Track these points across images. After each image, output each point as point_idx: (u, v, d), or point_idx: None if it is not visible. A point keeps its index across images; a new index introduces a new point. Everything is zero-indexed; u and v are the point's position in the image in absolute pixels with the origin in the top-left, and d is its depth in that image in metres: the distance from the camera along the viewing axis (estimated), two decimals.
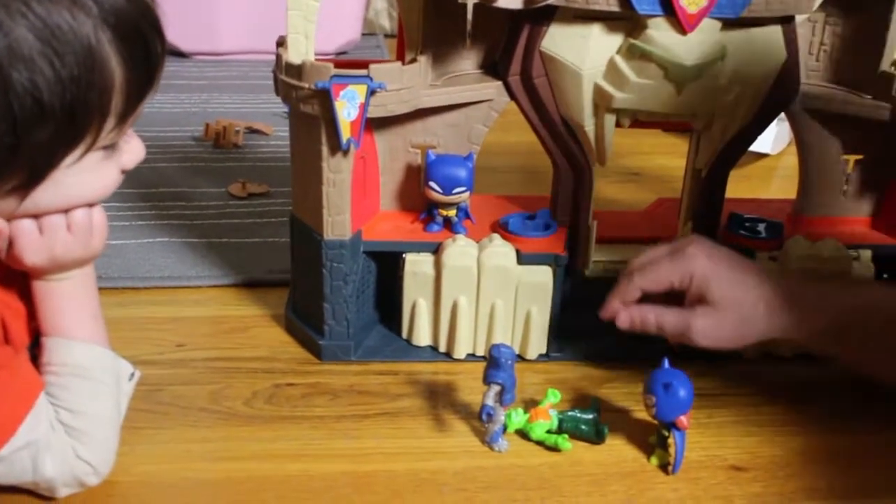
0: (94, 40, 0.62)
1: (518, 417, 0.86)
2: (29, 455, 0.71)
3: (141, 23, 0.65)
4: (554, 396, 0.89)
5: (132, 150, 0.72)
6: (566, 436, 0.86)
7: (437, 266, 0.96)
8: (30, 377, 0.73)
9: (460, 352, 0.99)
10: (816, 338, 0.87)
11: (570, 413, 0.87)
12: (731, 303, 0.86)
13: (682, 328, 0.87)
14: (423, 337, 1.00)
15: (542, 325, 0.98)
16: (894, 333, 0.84)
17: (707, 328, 0.86)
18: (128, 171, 0.73)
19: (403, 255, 0.97)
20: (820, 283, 0.92)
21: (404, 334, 1.01)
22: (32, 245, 0.70)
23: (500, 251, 0.95)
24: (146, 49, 0.66)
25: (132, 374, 0.80)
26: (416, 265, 0.97)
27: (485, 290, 0.96)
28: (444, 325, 0.98)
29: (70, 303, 0.75)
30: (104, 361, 0.77)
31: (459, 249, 0.95)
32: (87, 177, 0.68)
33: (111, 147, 0.69)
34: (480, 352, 0.99)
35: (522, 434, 0.87)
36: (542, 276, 0.96)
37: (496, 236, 0.96)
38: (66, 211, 0.70)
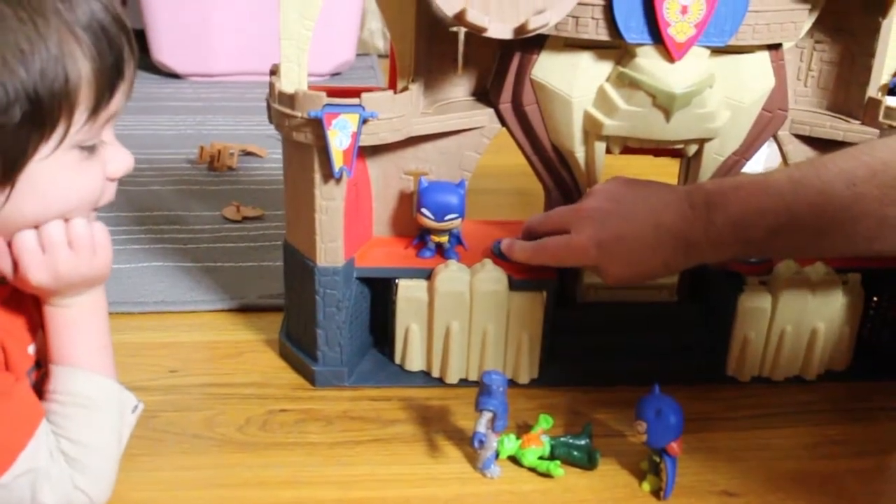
0: (56, 33, 0.63)
1: (510, 444, 0.87)
2: (28, 482, 0.71)
3: (103, 16, 0.66)
4: (546, 422, 0.89)
5: (117, 159, 0.72)
6: (559, 462, 0.86)
7: (430, 291, 0.96)
8: (31, 404, 0.73)
9: (453, 377, 0.99)
10: (722, 253, 0.87)
11: (562, 439, 0.88)
12: (620, 241, 0.88)
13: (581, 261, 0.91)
14: (415, 362, 1.00)
15: (533, 350, 0.98)
16: (797, 231, 0.83)
17: (604, 269, 0.90)
18: (115, 179, 0.73)
19: (396, 281, 0.97)
20: (707, 202, 0.86)
21: (397, 359, 1.01)
22: (35, 263, 0.70)
23: (492, 276, 0.95)
24: (110, 40, 0.67)
25: (135, 407, 0.80)
26: (409, 290, 0.97)
27: (477, 316, 0.96)
28: (437, 350, 0.98)
29: (78, 331, 0.75)
30: (109, 393, 0.77)
31: (451, 275, 0.95)
32: (66, 177, 0.68)
33: (90, 149, 0.69)
34: (473, 376, 0.99)
35: (514, 460, 0.87)
36: (534, 302, 0.96)
37: (488, 262, 0.96)
38: (62, 221, 0.70)
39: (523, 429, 0.90)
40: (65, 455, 0.73)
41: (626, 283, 0.91)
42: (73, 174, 0.69)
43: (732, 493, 0.85)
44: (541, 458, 0.86)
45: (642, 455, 0.87)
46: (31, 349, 0.77)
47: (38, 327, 0.77)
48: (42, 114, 0.64)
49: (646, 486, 0.85)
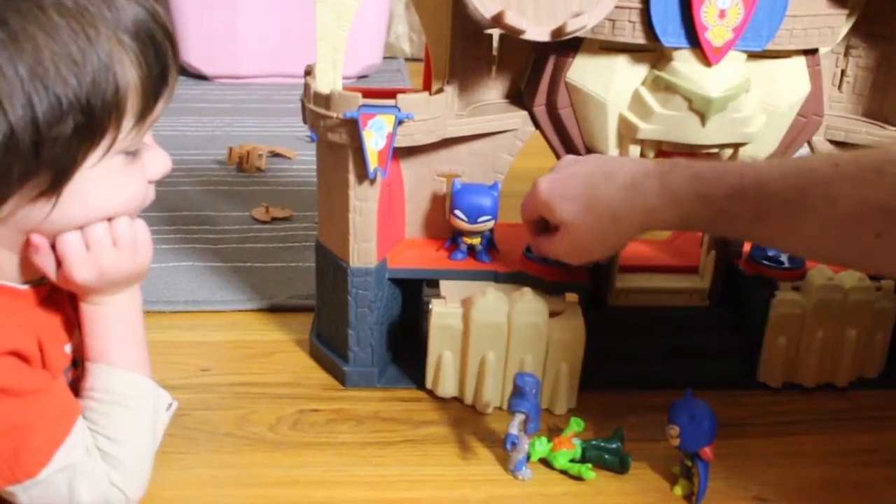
0: (106, 42, 0.64)
1: (542, 446, 0.87)
2: (66, 479, 0.71)
3: (151, 24, 0.67)
4: (577, 425, 0.89)
5: (157, 161, 0.73)
6: (590, 465, 0.86)
7: (466, 320, 0.92)
8: (67, 402, 0.74)
9: (487, 408, 0.95)
10: (677, 209, 0.81)
11: (593, 442, 0.87)
12: (572, 222, 0.85)
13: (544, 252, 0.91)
14: (447, 388, 0.96)
15: (572, 380, 0.95)
16: (763, 199, 0.76)
17: (560, 251, 0.89)
18: (154, 181, 0.74)
19: (429, 306, 0.94)
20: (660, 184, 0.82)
21: (429, 384, 0.96)
22: (80, 262, 0.70)
23: (532, 307, 0.92)
24: (156, 48, 0.67)
25: (170, 405, 0.81)
26: (444, 318, 0.93)
27: (514, 346, 0.93)
28: (471, 379, 0.95)
29: (115, 329, 0.76)
30: (144, 390, 0.77)
31: (489, 304, 0.92)
32: (112, 182, 0.69)
33: (133, 153, 0.70)
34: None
35: (546, 463, 0.87)
36: (574, 334, 0.93)
37: (528, 291, 0.93)
38: (106, 221, 0.71)
39: (554, 432, 0.91)
40: (101, 452, 0.73)
41: (580, 232, 0.86)
42: (117, 179, 0.69)
43: (764, 499, 0.85)
44: (572, 460, 0.86)
45: (674, 460, 0.87)
46: (68, 348, 0.77)
47: (74, 327, 0.78)
48: (93, 123, 0.65)
49: (678, 491, 0.85)
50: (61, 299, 0.76)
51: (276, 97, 2.10)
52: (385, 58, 2.43)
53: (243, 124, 1.90)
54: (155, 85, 0.68)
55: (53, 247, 0.70)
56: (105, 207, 0.70)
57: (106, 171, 0.68)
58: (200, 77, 2.24)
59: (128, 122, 0.67)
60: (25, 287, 0.73)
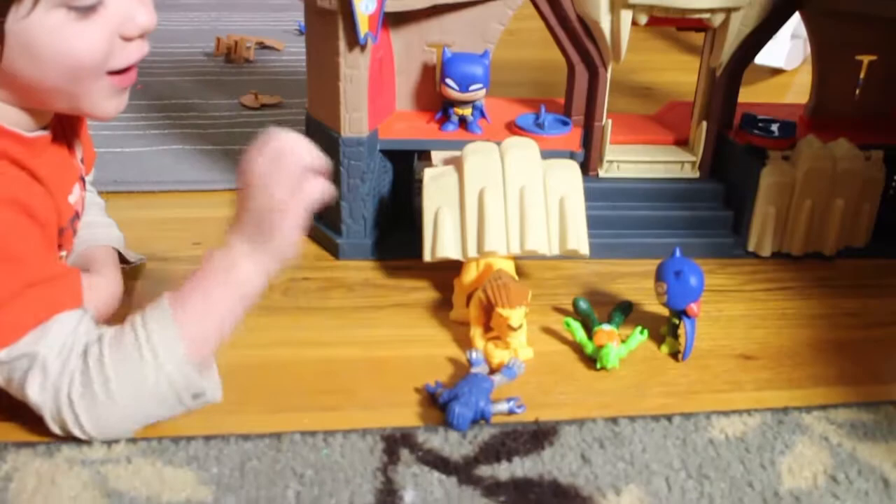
0: None
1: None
2: (23, 367, 0.68)
3: None
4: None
5: (134, 17, 0.69)
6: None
7: (459, 167, 0.90)
8: (62, 290, 0.70)
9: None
10: None
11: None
12: None
13: None
14: (447, 248, 0.89)
15: (575, 220, 0.90)
16: None
17: None
18: (130, 38, 0.70)
19: (422, 172, 0.92)
20: None
21: (426, 249, 0.89)
22: None
23: (521, 140, 0.93)
24: None
25: (199, 394, 0.72)
26: (436, 173, 0.91)
27: (511, 180, 0.89)
28: (472, 225, 0.88)
29: (213, 294, 0.72)
30: (176, 367, 0.69)
31: (481, 145, 0.92)
32: (59, 38, 0.66)
33: (84, 9, 0.66)
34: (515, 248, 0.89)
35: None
36: (573, 171, 0.92)
37: (514, 137, 0.95)
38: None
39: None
40: (86, 367, 0.68)
41: None
42: (65, 35, 0.66)
43: (749, 357, 0.86)
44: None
45: (661, 322, 0.88)
46: (72, 199, 0.77)
47: (76, 178, 0.78)
48: None
49: (664, 349, 0.86)
50: (64, 150, 0.76)
51: None
52: None
53: (231, 19, 1.88)
54: None
55: None
56: (54, 64, 0.67)
57: (45, 28, 0.65)
58: None
59: None
60: (34, 134, 0.72)
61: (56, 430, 0.70)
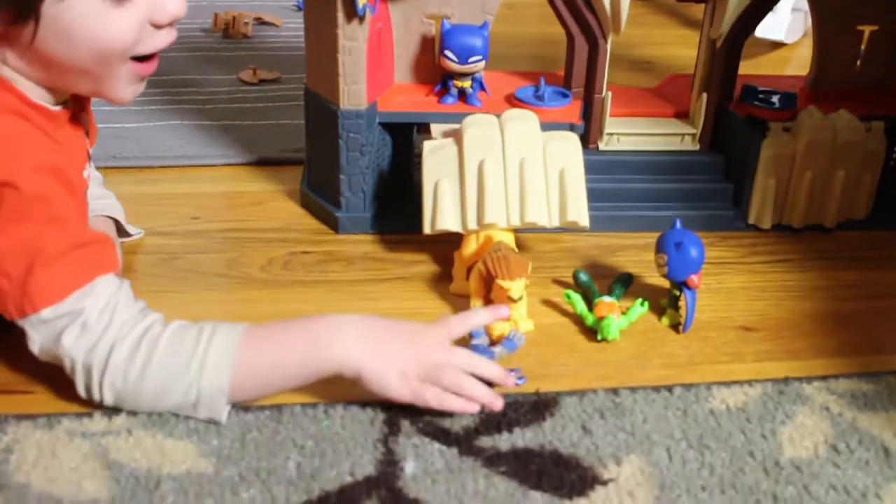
0: None
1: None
2: (65, 323, 0.69)
3: None
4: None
5: (164, 5, 0.72)
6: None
7: (458, 139, 0.90)
8: (103, 254, 0.72)
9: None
10: None
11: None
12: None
13: None
14: (447, 220, 0.88)
15: (575, 189, 0.89)
16: None
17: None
18: (160, 26, 0.73)
19: (422, 144, 0.91)
20: None
21: (426, 221, 0.89)
22: None
23: (520, 113, 0.92)
24: None
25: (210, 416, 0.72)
26: (435, 146, 0.90)
27: (510, 153, 0.88)
28: (471, 197, 0.88)
29: (281, 348, 0.73)
30: (210, 393, 0.70)
31: (480, 118, 0.91)
32: (90, 22, 0.68)
33: None
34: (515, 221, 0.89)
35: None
36: (573, 143, 0.91)
37: (511, 109, 0.94)
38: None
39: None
40: (135, 350, 0.69)
41: None
42: (97, 21, 0.68)
43: (750, 328, 0.86)
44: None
45: (661, 294, 0.88)
46: (86, 174, 0.79)
47: (87, 154, 0.80)
48: None
49: (665, 321, 0.86)
50: (78, 125, 0.77)
51: None
52: None
53: None
54: None
55: None
56: (85, 47, 0.69)
57: (80, 12, 0.67)
58: None
59: None
60: (58, 108, 0.75)
61: (76, 379, 0.70)
